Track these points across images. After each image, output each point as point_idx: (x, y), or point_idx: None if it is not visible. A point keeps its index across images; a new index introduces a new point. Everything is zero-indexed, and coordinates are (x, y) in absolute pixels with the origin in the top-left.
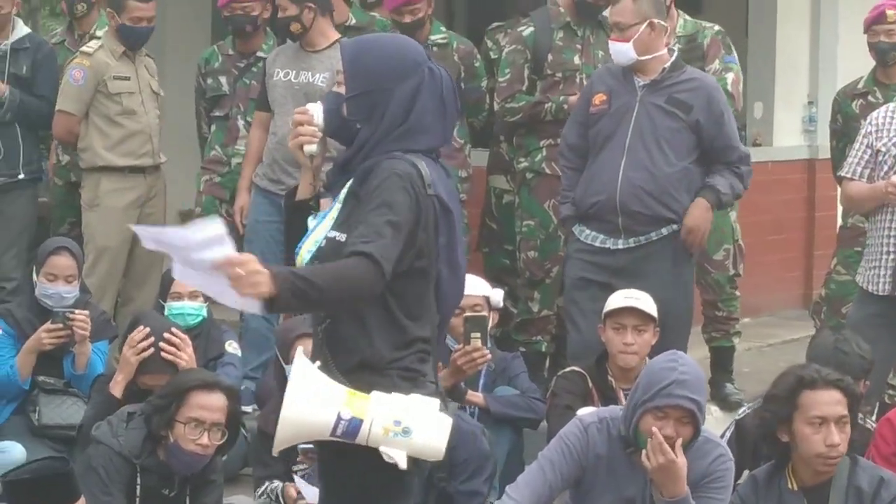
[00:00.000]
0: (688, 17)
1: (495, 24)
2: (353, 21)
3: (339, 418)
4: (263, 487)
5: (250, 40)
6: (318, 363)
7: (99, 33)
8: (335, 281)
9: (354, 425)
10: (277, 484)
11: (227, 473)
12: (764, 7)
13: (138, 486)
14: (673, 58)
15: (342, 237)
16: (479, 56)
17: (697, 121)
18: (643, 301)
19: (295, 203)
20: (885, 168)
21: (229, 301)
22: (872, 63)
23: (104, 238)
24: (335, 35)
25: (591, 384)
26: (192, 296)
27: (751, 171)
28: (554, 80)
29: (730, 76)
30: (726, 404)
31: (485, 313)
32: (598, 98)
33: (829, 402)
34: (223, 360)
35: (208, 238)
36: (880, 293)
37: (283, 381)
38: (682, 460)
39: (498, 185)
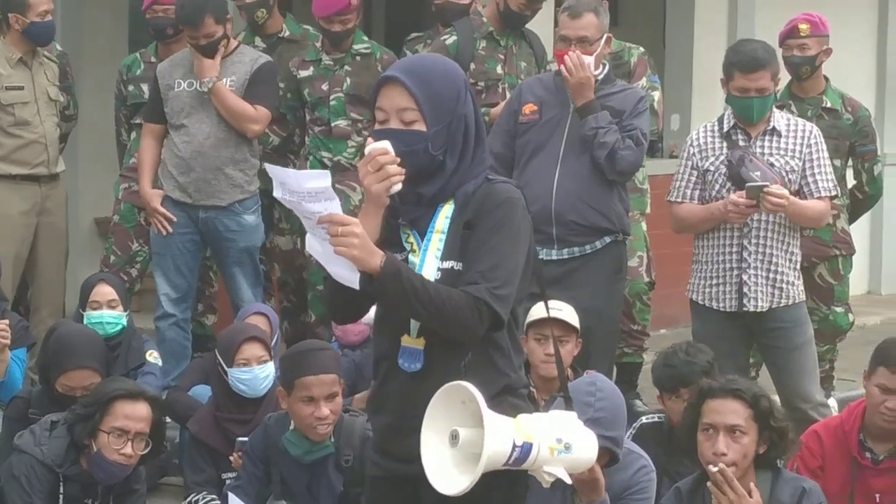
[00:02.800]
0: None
1: (414, 35)
2: (287, 33)
3: (514, 446)
4: (196, 496)
5: (174, 42)
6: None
7: None
8: (438, 299)
9: (526, 450)
10: (211, 499)
11: (147, 482)
12: (681, 19)
13: (61, 496)
14: (605, 70)
15: (459, 266)
16: None
17: (623, 123)
18: (566, 312)
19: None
20: (717, 186)
21: (337, 275)
22: (788, 77)
23: None
24: (234, 42)
25: None
26: (111, 305)
27: (634, 153)
28: (476, 90)
29: (656, 94)
30: (634, 419)
31: None
32: (528, 108)
33: (721, 410)
34: (143, 370)
35: (318, 189)
36: (727, 310)
37: (221, 383)
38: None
39: None
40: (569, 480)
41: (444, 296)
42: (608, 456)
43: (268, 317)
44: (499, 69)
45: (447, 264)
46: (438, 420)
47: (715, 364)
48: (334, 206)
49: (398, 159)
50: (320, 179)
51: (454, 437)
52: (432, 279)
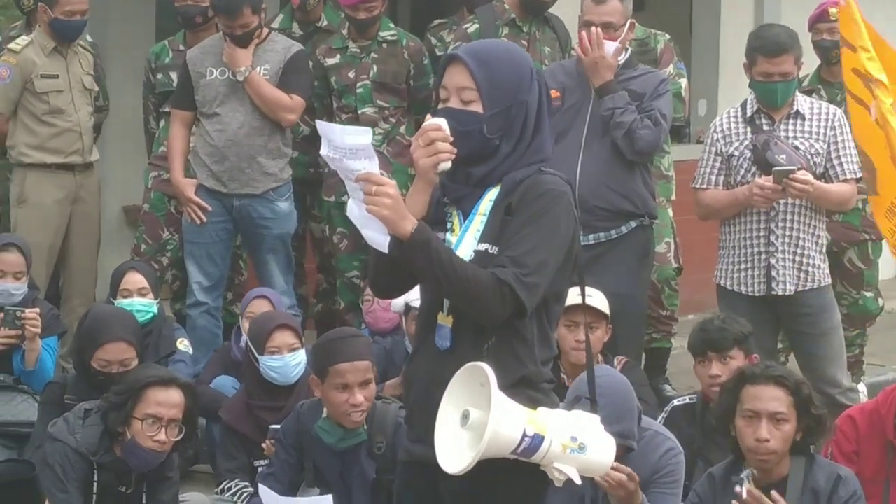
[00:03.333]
0: (637, 24)
1: (438, 21)
2: (325, 22)
3: (524, 435)
4: (229, 483)
5: (203, 31)
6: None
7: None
8: (465, 275)
9: (536, 442)
10: (244, 486)
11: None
12: (708, 5)
13: (95, 483)
14: (627, 55)
15: (494, 249)
16: (427, 54)
17: (641, 104)
18: (596, 298)
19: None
20: (742, 171)
21: (370, 238)
22: (816, 61)
23: (34, 234)
24: (265, 30)
25: None
26: (142, 293)
27: (653, 132)
28: None
29: (683, 81)
30: (663, 403)
31: None
32: (552, 94)
33: (764, 397)
34: (174, 358)
35: (358, 146)
36: (755, 294)
37: (253, 372)
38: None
39: None
40: (579, 481)
41: (471, 273)
42: (621, 449)
43: (269, 299)
44: None
45: (482, 246)
46: (457, 399)
47: (751, 338)
48: (373, 166)
49: (451, 138)
50: (361, 136)
51: (465, 417)
52: (466, 259)
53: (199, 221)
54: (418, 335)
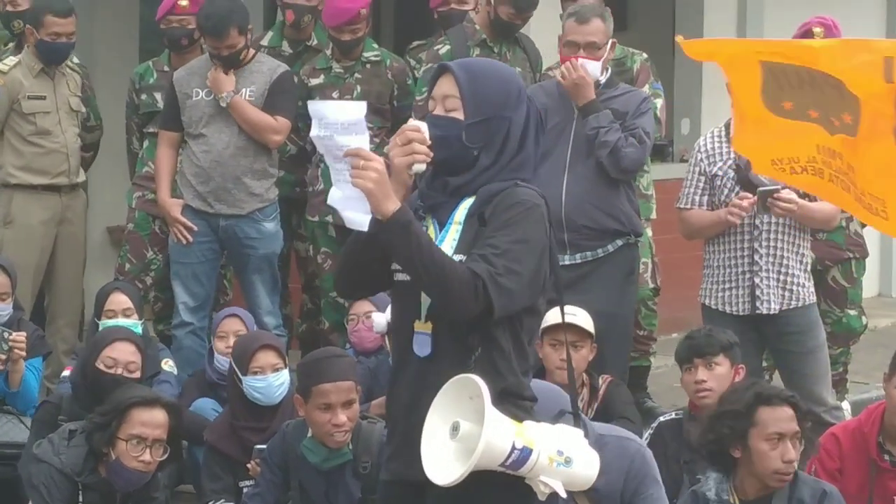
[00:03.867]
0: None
1: (416, 43)
2: (315, 41)
3: (513, 447)
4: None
5: (188, 52)
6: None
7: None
8: (441, 265)
9: (525, 455)
10: None
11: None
12: (690, 24)
13: None
14: (608, 74)
15: None
16: (410, 74)
17: (624, 122)
18: (580, 317)
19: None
20: (726, 191)
21: (350, 221)
22: None
23: (19, 255)
24: (251, 50)
25: None
26: (126, 313)
27: (637, 150)
28: None
29: (659, 101)
30: (650, 415)
31: None
32: None
33: (784, 418)
34: (159, 378)
35: (351, 121)
36: (740, 313)
37: (236, 392)
38: None
39: None
40: (564, 494)
41: (448, 262)
42: None
43: (241, 318)
44: None
45: (458, 257)
46: (444, 410)
47: (737, 348)
48: (363, 141)
49: (428, 140)
50: (356, 110)
51: (455, 429)
52: None
53: (185, 242)
54: (395, 351)
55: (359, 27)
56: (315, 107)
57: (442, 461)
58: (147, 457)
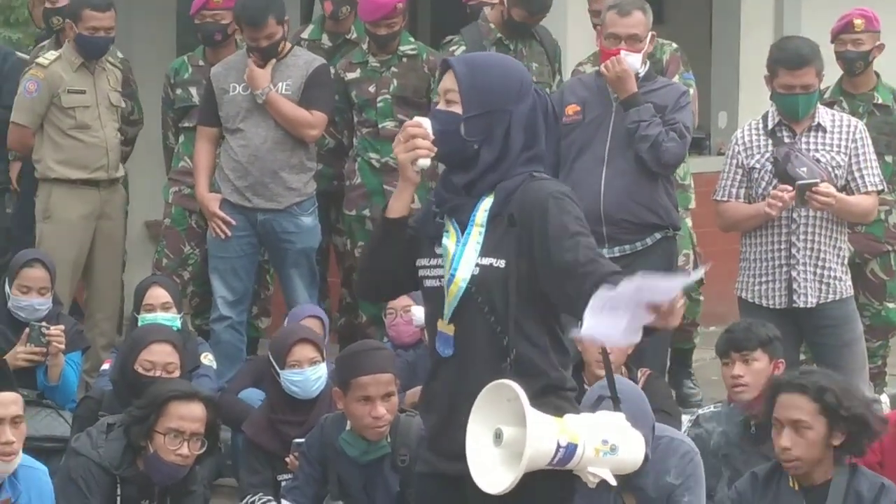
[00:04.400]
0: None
1: (450, 38)
2: (354, 35)
3: (558, 446)
4: (252, 497)
5: (223, 48)
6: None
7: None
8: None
9: (570, 451)
10: (268, 500)
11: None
12: (728, 16)
13: (118, 497)
14: (646, 68)
15: (500, 263)
16: None
17: (663, 116)
18: None
19: (395, 221)
20: (763, 184)
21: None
22: (836, 72)
23: (58, 250)
24: (287, 44)
25: None
26: (165, 307)
27: (678, 145)
28: None
29: (690, 92)
30: (685, 402)
31: None
32: (571, 109)
33: (787, 405)
34: (198, 372)
35: (656, 287)
36: (777, 307)
37: (275, 386)
38: None
39: None
40: (614, 482)
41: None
42: None
43: (321, 319)
44: None
45: (486, 260)
46: (484, 417)
47: (777, 342)
48: (676, 284)
49: (430, 136)
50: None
51: (498, 437)
52: (470, 274)
53: (223, 236)
54: (430, 348)
55: (395, 21)
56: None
57: (489, 469)
58: (185, 450)
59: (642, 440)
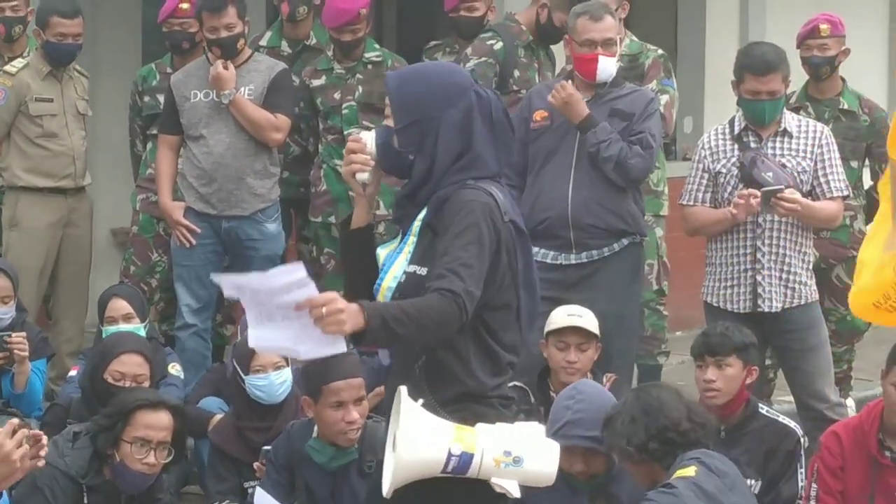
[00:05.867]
0: (634, 38)
1: (433, 43)
2: (314, 41)
3: (449, 454)
4: None
5: (190, 55)
6: (420, 401)
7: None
8: (421, 316)
9: (465, 460)
10: None
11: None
12: (693, 22)
13: None
14: (615, 73)
15: (423, 271)
16: None
17: (635, 126)
18: (586, 319)
19: (352, 232)
20: (729, 189)
21: (312, 351)
22: (802, 77)
23: (25, 257)
24: (248, 50)
25: (532, 399)
26: (127, 318)
27: (644, 158)
28: (518, 97)
29: (664, 98)
30: None
31: None
32: (539, 115)
33: None
34: (166, 381)
35: (290, 282)
36: (742, 311)
37: (240, 393)
38: None
39: None
40: (517, 494)
41: (425, 309)
42: (602, 456)
43: None
44: (536, 78)
45: (412, 268)
46: (393, 422)
47: (752, 349)
48: (310, 290)
49: (368, 150)
50: (294, 272)
51: (394, 441)
52: (396, 283)
53: (188, 244)
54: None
55: (359, 27)
56: (229, 281)
57: (387, 472)
58: (151, 459)
59: (556, 453)
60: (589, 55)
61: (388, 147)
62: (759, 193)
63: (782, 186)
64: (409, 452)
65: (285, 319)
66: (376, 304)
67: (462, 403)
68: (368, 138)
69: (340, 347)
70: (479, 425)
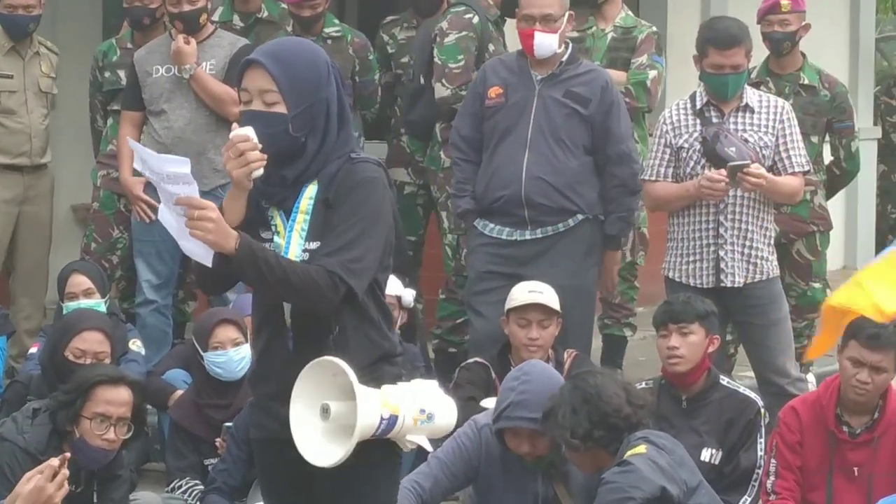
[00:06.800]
0: (629, 12)
1: (390, 18)
2: (266, 13)
3: (381, 419)
4: (179, 482)
5: (152, 31)
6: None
7: None
8: (293, 275)
9: (392, 422)
10: (195, 484)
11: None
12: (653, 2)
13: None
14: (569, 51)
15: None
16: (372, 49)
17: (593, 114)
18: (547, 295)
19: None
20: (692, 164)
21: (189, 251)
22: (763, 52)
23: None
24: (210, 26)
25: (493, 375)
26: (87, 293)
27: (632, 174)
28: None
29: (652, 73)
30: None
31: None
32: (494, 91)
33: None
34: (126, 357)
35: (177, 174)
36: (704, 286)
37: (200, 370)
38: None
39: (398, 177)
40: (430, 448)
41: (300, 271)
42: (542, 437)
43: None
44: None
45: (312, 245)
46: (308, 394)
47: (713, 317)
48: (192, 190)
49: (259, 146)
50: (180, 165)
51: (325, 411)
52: (298, 260)
53: (147, 220)
54: (258, 331)
55: (318, 2)
56: (137, 148)
57: (316, 442)
58: (111, 435)
59: (454, 406)
60: (526, 30)
61: (283, 134)
62: (727, 178)
63: (748, 161)
64: (366, 419)
65: (174, 208)
66: (257, 242)
67: (377, 365)
68: (249, 132)
69: (206, 260)
70: (385, 388)
